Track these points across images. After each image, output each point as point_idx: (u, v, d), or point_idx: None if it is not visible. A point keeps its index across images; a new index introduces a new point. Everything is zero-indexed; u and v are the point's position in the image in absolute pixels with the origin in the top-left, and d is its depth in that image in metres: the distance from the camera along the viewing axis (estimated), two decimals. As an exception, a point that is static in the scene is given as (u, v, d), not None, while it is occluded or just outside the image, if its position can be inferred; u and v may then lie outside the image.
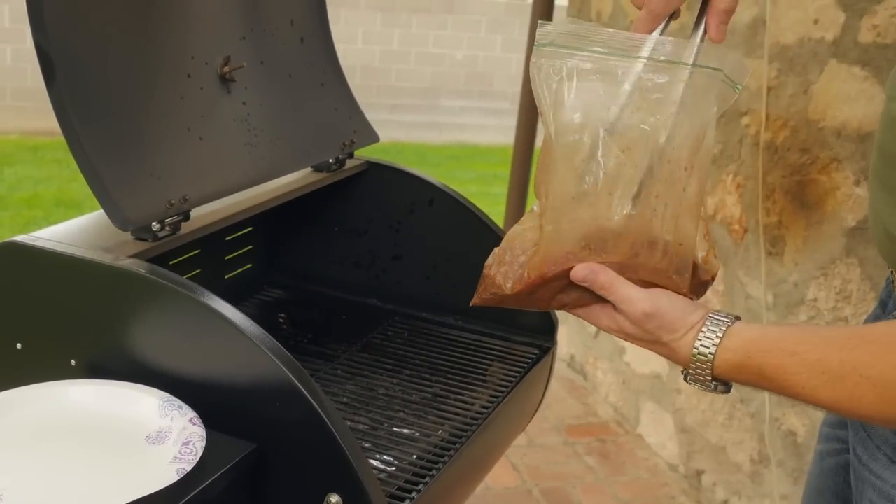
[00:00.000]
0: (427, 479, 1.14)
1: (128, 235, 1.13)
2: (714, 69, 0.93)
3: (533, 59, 0.93)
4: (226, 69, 1.28)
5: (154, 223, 1.12)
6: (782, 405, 2.23)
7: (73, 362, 1.09)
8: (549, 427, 2.87)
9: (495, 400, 1.35)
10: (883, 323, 0.86)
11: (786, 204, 2.19)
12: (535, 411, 1.56)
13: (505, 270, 0.98)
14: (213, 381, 1.03)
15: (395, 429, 1.27)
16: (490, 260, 1.00)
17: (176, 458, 0.92)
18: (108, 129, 1.09)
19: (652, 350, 0.96)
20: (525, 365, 1.44)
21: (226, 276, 1.58)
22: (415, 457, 1.19)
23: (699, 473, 2.56)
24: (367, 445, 1.21)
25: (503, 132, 6.44)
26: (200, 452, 0.93)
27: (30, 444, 0.96)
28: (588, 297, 0.96)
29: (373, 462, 1.17)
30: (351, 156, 1.54)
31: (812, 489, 1.26)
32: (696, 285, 0.96)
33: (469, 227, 1.49)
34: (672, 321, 0.91)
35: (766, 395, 2.25)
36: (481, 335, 1.52)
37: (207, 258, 1.50)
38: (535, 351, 1.49)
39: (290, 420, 1.00)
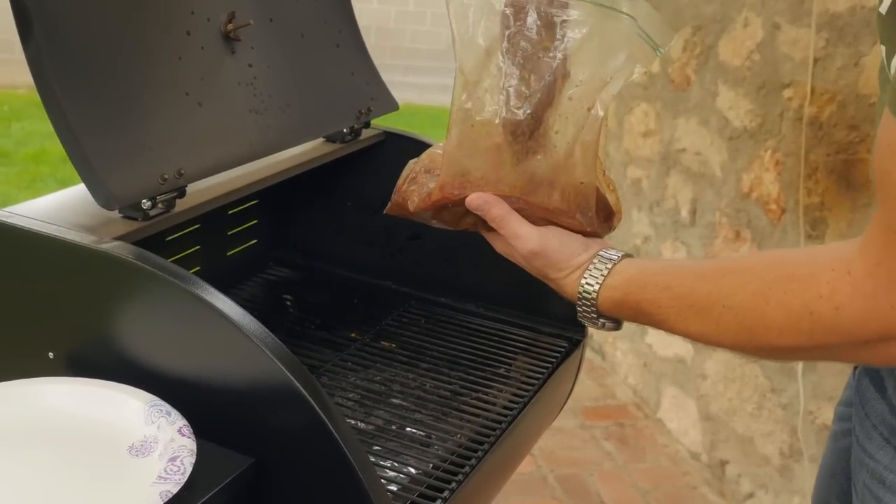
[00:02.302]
0: (445, 492, 1.03)
1: (116, 213, 1.01)
2: (626, 14, 0.92)
3: None
4: (230, 27, 1.14)
5: (144, 200, 0.99)
6: (818, 398, 2.10)
7: (50, 355, 0.97)
8: (566, 408, 2.73)
9: (520, 399, 1.23)
10: (746, 255, 0.88)
11: (829, 184, 2.05)
12: (562, 408, 1.44)
13: (414, 189, 1.01)
14: (207, 383, 0.91)
15: (409, 429, 1.15)
16: (404, 173, 1.03)
17: (161, 477, 0.80)
18: (92, 93, 0.96)
19: (543, 281, 0.99)
20: (553, 360, 1.32)
21: (228, 253, 1.45)
22: (431, 466, 1.07)
23: (723, 463, 2.44)
24: (377, 449, 1.09)
25: (520, 96, 6.28)
26: (189, 471, 0.81)
27: (-5, 454, 0.84)
28: (483, 224, 0.99)
29: (385, 471, 1.05)
30: (367, 125, 1.40)
31: (825, 470, 1.18)
32: (605, 221, 0.98)
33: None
34: (558, 261, 0.95)
35: (800, 386, 2.13)
36: (505, 324, 1.40)
37: (208, 233, 1.37)
38: (564, 343, 1.36)
39: (293, 430, 0.88)
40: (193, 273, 1.33)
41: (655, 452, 2.59)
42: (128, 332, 0.93)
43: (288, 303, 1.45)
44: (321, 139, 1.35)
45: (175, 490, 0.79)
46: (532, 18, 0.93)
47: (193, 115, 1.07)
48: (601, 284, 0.92)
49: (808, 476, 2.12)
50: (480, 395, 1.23)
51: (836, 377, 2.06)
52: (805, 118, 2.08)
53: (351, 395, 1.21)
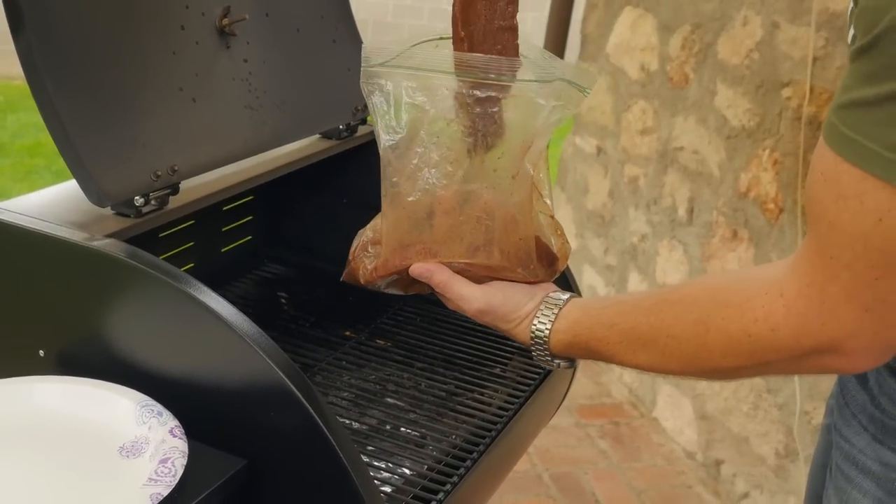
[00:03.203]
0: (440, 494, 1.02)
1: (108, 210, 0.99)
2: (545, 82, 0.95)
3: (362, 78, 0.98)
4: (225, 21, 1.13)
5: (137, 197, 0.97)
6: (813, 398, 2.10)
7: (41, 353, 0.96)
8: (561, 406, 2.74)
9: (516, 400, 1.21)
10: (682, 284, 0.94)
11: (828, 184, 2.04)
12: (558, 408, 1.43)
13: (364, 260, 1.05)
14: (199, 382, 0.90)
15: (404, 429, 1.14)
16: (354, 242, 1.07)
17: (151, 479, 0.79)
18: (84, 88, 0.94)
19: (497, 331, 1.03)
20: (549, 360, 1.30)
21: (222, 250, 1.44)
22: (426, 467, 1.06)
23: (718, 463, 2.44)
24: (371, 449, 1.08)
25: (518, 92, 6.27)
26: (180, 473, 0.80)
27: (-17, 454, 0.83)
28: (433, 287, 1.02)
29: (379, 472, 1.04)
30: (364, 122, 1.39)
31: (817, 464, 1.20)
32: (549, 266, 1.02)
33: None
34: (505, 314, 0.99)
35: (796, 386, 2.12)
36: (501, 324, 1.38)
37: (202, 229, 1.36)
38: (560, 344, 1.35)
39: (286, 431, 0.87)
40: (187, 270, 1.33)
41: (650, 451, 2.58)
42: (119, 331, 0.92)
43: (282, 300, 1.44)
44: (317, 136, 1.33)
45: (166, 492, 0.77)
46: (446, 103, 0.96)
47: (187, 111, 1.06)
48: (550, 329, 0.97)
49: (803, 476, 2.11)
50: (476, 395, 1.22)
51: (831, 378, 2.05)
52: (804, 117, 2.08)
53: (345, 395, 1.20)
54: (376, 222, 1.06)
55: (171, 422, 0.86)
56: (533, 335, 0.98)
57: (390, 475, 1.05)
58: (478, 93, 0.95)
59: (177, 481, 0.79)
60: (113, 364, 0.92)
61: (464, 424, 1.15)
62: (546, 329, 0.97)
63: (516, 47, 1.04)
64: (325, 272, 1.49)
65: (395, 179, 0.98)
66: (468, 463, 1.07)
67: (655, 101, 2.72)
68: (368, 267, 1.04)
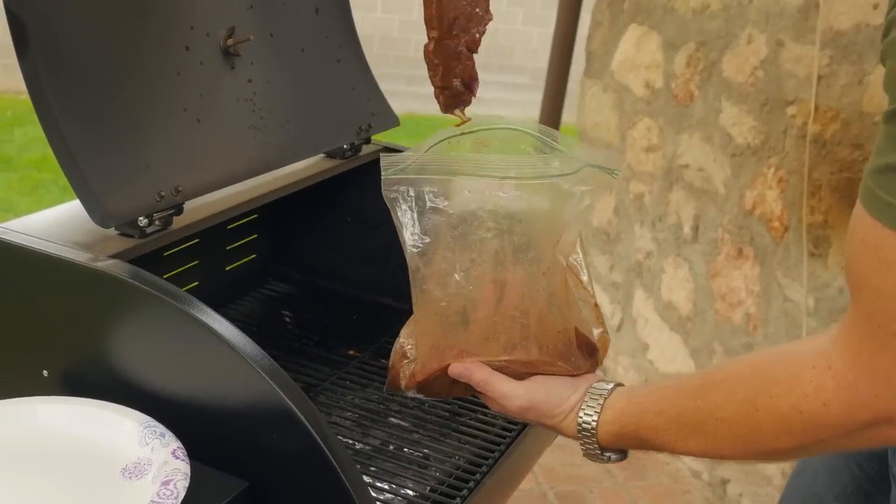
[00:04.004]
0: (443, 515, 1.01)
1: (112, 230, 1.00)
2: (570, 174, 0.93)
3: (383, 187, 0.96)
4: (230, 42, 1.13)
5: (141, 218, 0.98)
6: (819, 417, 2.08)
7: (45, 373, 0.96)
8: (566, 424, 2.73)
9: (518, 422, 1.21)
10: (726, 363, 0.92)
11: (833, 202, 2.04)
12: (561, 427, 1.43)
13: (401, 369, 1.02)
14: (201, 404, 0.90)
15: (407, 450, 1.13)
16: (393, 352, 1.04)
17: (153, 501, 0.79)
18: (89, 108, 0.95)
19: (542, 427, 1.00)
20: (553, 380, 1.30)
21: (227, 268, 1.44)
22: (429, 488, 1.06)
23: (724, 482, 2.42)
24: (374, 469, 1.08)
25: (521, 107, 6.26)
26: (182, 495, 0.80)
27: (-15, 475, 0.83)
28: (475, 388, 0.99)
29: (382, 493, 1.04)
30: (368, 141, 1.39)
31: (823, 468, 1.19)
32: (589, 357, 0.99)
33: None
34: (549, 409, 0.95)
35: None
36: (505, 343, 1.38)
37: (206, 248, 1.36)
38: (564, 363, 1.34)
39: (288, 452, 0.87)
40: (191, 288, 1.34)
41: (656, 470, 2.57)
42: (123, 351, 0.92)
43: (286, 319, 1.44)
44: (321, 155, 1.34)
45: (167, 515, 0.77)
46: (468, 206, 0.94)
47: (191, 132, 1.06)
48: (597, 421, 0.93)
49: (809, 496, 2.10)
50: (479, 415, 1.22)
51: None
52: (809, 136, 2.07)
53: (348, 415, 1.20)
54: (409, 328, 1.04)
55: (173, 443, 0.86)
56: (580, 428, 0.94)
57: (393, 496, 1.04)
58: (501, 193, 0.93)
59: (178, 503, 0.79)
60: (116, 384, 0.92)
61: (467, 445, 1.15)
62: (593, 422, 0.93)
63: (487, 1, 1.06)
64: (328, 291, 1.50)
65: (425, 286, 0.96)
66: (471, 484, 1.07)
67: (660, 119, 2.72)
68: (407, 373, 1.01)
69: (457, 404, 1.23)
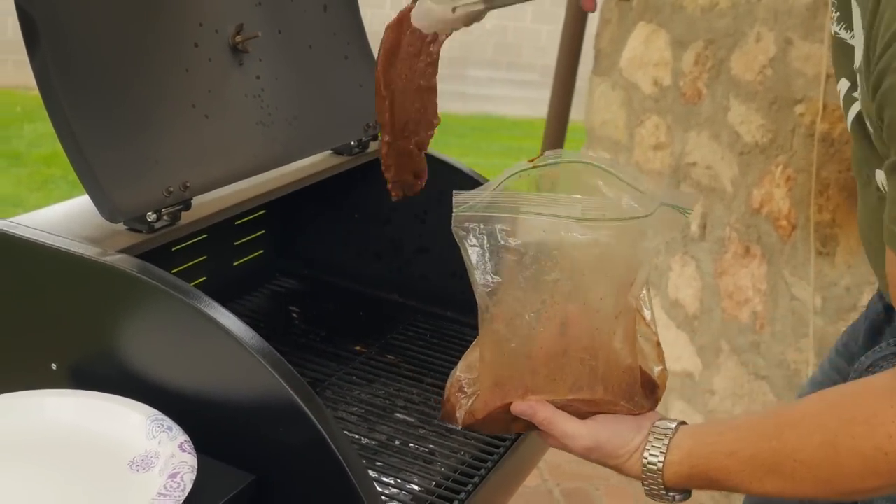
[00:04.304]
0: (447, 511, 1.02)
1: (121, 225, 1.00)
2: (642, 217, 0.91)
3: (454, 224, 0.94)
4: (238, 38, 1.14)
5: (149, 213, 0.98)
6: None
7: (53, 366, 0.97)
8: (572, 421, 2.73)
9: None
10: (799, 402, 0.90)
11: (841, 201, 2.04)
12: (567, 424, 1.43)
13: (458, 403, 1.00)
14: (208, 397, 0.91)
15: (413, 445, 1.14)
16: (449, 382, 1.02)
17: (160, 493, 0.80)
18: (98, 104, 0.95)
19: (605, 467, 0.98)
20: (558, 377, 1.30)
21: (234, 264, 1.45)
22: (434, 483, 1.07)
23: (730, 480, 2.42)
24: (379, 465, 1.09)
25: (530, 104, 6.25)
26: (189, 487, 0.80)
27: (-6, 466, 0.84)
28: (535, 425, 0.98)
29: (387, 488, 1.05)
30: (375, 138, 1.40)
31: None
32: (649, 395, 0.98)
33: (502, 220, 1.35)
34: (614, 449, 0.93)
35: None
36: (510, 340, 1.39)
37: (214, 243, 1.37)
38: (570, 360, 1.35)
39: (294, 446, 0.88)
40: (199, 283, 1.34)
41: (662, 467, 2.57)
42: (130, 345, 0.93)
43: (293, 314, 1.45)
44: (328, 151, 1.34)
45: (174, 508, 0.78)
46: (542, 246, 0.92)
47: (200, 128, 1.07)
48: (664, 462, 0.91)
49: (815, 495, 2.10)
50: (485, 411, 1.22)
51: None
52: (817, 134, 2.07)
53: (354, 410, 1.20)
54: (469, 361, 1.03)
55: (180, 436, 0.87)
56: (645, 469, 0.92)
57: (398, 491, 1.05)
58: (577, 234, 0.91)
59: (185, 496, 0.80)
60: (124, 378, 0.93)
61: (472, 441, 1.15)
62: (658, 462, 0.91)
63: (435, 106, 1.07)
64: (335, 287, 1.50)
65: (494, 326, 0.94)
66: (476, 479, 1.07)
67: (668, 117, 2.72)
68: (464, 408, 1.00)
69: (462, 400, 1.23)
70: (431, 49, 1.07)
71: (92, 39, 0.96)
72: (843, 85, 0.94)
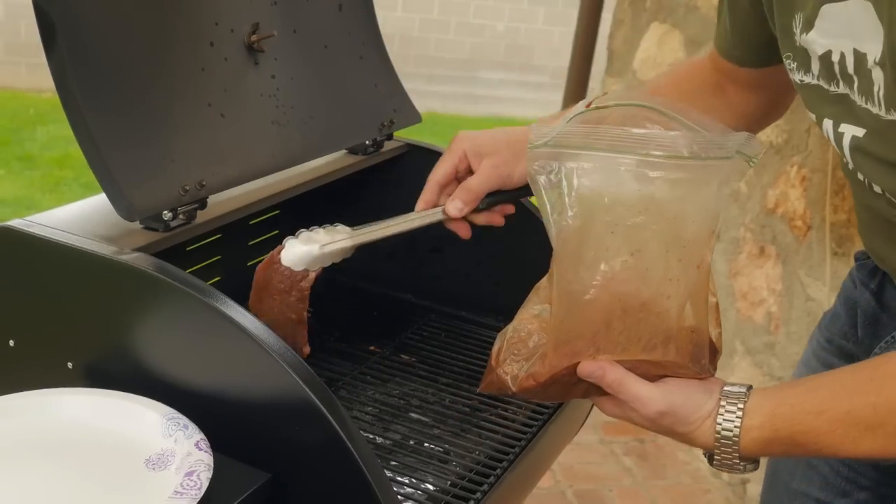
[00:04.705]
0: (463, 510, 1.01)
1: (137, 224, 1.00)
2: (722, 158, 0.86)
3: (528, 161, 0.88)
4: (254, 38, 1.14)
5: (165, 212, 0.98)
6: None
7: (69, 365, 0.97)
8: (586, 423, 2.72)
9: (539, 416, 1.21)
10: (892, 354, 0.83)
11: (856, 201, 2.03)
12: (582, 424, 1.43)
13: (510, 368, 0.95)
14: (224, 396, 0.91)
15: (427, 445, 1.13)
16: (495, 348, 0.97)
17: (177, 491, 0.80)
18: (115, 103, 0.96)
19: (667, 436, 0.93)
20: (573, 377, 1.30)
21: (248, 263, 1.45)
22: (449, 483, 1.06)
23: (744, 483, 2.41)
24: (394, 464, 1.08)
25: (542, 106, 6.25)
26: (205, 486, 0.80)
27: (9, 461, 0.84)
28: (598, 390, 0.92)
29: (403, 488, 1.04)
30: (390, 137, 1.40)
31: (802, 462, 1.18)
32: (710, 361, 0.93)
33: (516, 220, 1.35)
34: (687, 415, 0.88)
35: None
36: (525, 340, 1.38)
37: (228, 243, 1.37)
38: (585, 360, 1.34)
39: (310, 446, 0.87)
40: (213, 283, 1.34)
41: (676, 469, 2.56)
42: (146, 344, 0.93)
43: (308, 314, 1.44)
44: (343, 151, 1.34)
45: (191, 506, 0.78)
46: (624, 187, 0.85)
47: (216, 127, 1.07)
48: (741, 427, 0.85)
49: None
50: (500, 411, 1.22)
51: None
52: (832, 134, 2.06)
53: (369, 409, 1.20)
54: (519, 322, 0.97)
55: (196, 435, 0.87)
56: (720, 435, 0.86)
57: (413, 490, 1.05)
58: (660, 173, 0.84)
59: (202, 494, 0.79)
60: (140, 377, 0.93)
61: (487, 441, 1.15)
62: (735, 428, 0.85)
63: (305, 337, 1.11)
64: (350, 287, 1.50)
65: (568, 276, 0.87)
66: (491, 479, 1.07)
67: (682, 117, 2.72)
68: (519, 372, 0.94)
69: (477, 399, 1.23)
70: (302, 285, 1.11)
71: (109, 38, 0.96)
72: (847, 129, 0.91)
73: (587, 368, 0.89)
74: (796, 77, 0.96)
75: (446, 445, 1.13)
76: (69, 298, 0.96)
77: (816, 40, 0.91)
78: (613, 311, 0.87)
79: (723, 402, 0.87)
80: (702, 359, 0.90)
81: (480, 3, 7.16)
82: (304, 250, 1.09)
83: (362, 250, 1.50)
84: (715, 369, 0.94)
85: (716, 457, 0.88)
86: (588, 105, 0.91)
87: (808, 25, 0.92)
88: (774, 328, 2.29)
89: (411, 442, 1.14)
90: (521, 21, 7.35)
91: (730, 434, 0.85)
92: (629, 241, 0.86)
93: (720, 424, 0.86)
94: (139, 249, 0.95)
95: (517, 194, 1.09)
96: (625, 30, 3.06)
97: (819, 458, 1.16)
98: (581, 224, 0.86)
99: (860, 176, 0.94)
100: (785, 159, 2.25)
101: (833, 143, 0.95)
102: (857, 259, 1.17)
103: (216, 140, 1.06)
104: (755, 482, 2.37)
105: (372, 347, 1.35)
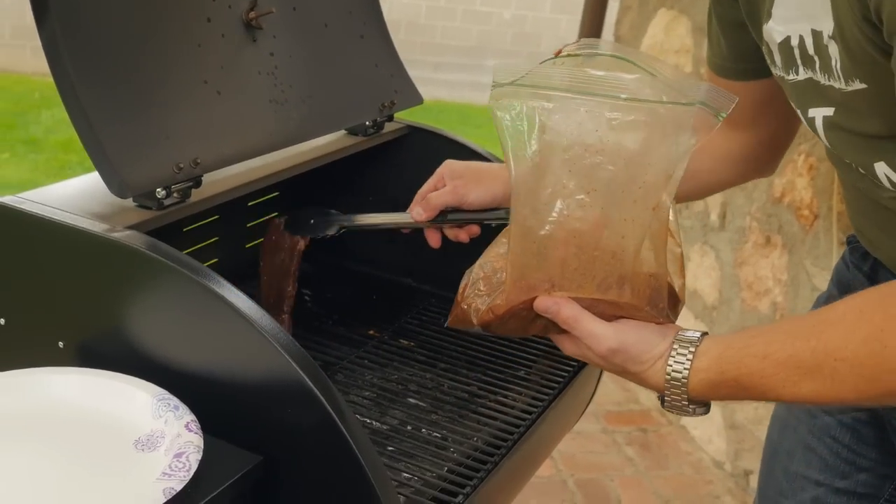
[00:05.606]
0: (459, 496, 1.00)
1: (130, 202, 0.99)
2: (681, 104, 0.87)
3: (490, 99, 0.90)
4: (252, 14, 1.12)
5: (158, 189, 0.97)
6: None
7: (60, 344, 0.95)
8: (588, 412, 2.69)
9: (539, 403, 1.19)
10: (840, 302, 0.84)
11: (864, 190, 2.00)
12: (583, 413, 1.41)
13: (475, 301, 0.98)
14: (216, 377, 0.89)
15: (425, 430, 1.12)
16: (462, 284, 1.00)
17: (165, 473, 0.78)
18: (108, 78, 0.94)
19: (621, 377, 0.94)
20: (574, 363, 1.28)
21: (247, 246, 1.43)
22: (446, 469, 1.05)
23: (747, 474, 2.39)
24: (391, 450, 1.07)
25: (550, 95, 6.21)
26: (194, 468, 0.79)
27: (-2, 443, 0.82)
28: (556, 327, 0.94)
29: (399, 473, 1.03)
30: (391, 118, 1.38)
31: (800, 446, 1.18)
32: (671, 309, 0.94)
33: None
34: (638, 353, 0.90)
35: (828, 396, 2.07)
36: (526, 325, 1.36)
37: (227, 225, 1.35)
38: (586, 347, 1.32)
39: (303, 428, 0.86)
40: (210, 265, 1.32)
41: (678, 460, 2.55)
42: (138, 324, 0.91)
43: (306, 297, 1.43)
44: (343, 132, 1.32)
45: (179, 487, 0.76)
46: (584, 127, 0.87)
47: (211, 104, 1.05)
48: (689, 369, 0.88)
49: (834, 489, 2.07)
50: (499, 397, 1.20)
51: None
52: (841, 122, 2.03)
53: (366, 394, 1.18)
54: (485, 259, 1.00)
55: (187, 416, 0.85)
56: (669, 377, 0.89)
57: (410, 476, 1.03)
58: (619, 115, 0.86)
59: (190, 476, 0.78)
60: (131, 356, 0.92)
61: (486, 427, 1.13)
62: (684, 369, 0.88)
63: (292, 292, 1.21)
64: (349, 270, 1.48)
65: (525, 211, 0.89)
66: (489, 466, 1.05)
67: (689, 105, 2.69)
68: (481, 307, 0.96)
69: (476, 385, 1.21)
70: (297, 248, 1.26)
71: (103, 11, 0.94)
72: (817, 112, 0.93)
73: (543, 303, 0.91)
74: (780, 73, 0.97)
75: (444, 431, 1.12)
76: (60, 277, 0.94)
77: (774, 28, 0.93)
78: (569, 247, 0.89)
79: (675, 345, 0.89)
80: (659, 303, 0.91)
81: (487, -10, 7.12)
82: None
83: (362, 233, 1.49)
84: (676, 317, 0.95)
85: (666, 398, 0.91)
86: (557, 53, 0.92)
87: (767, 16, 0.93)
88: (780, 318, 2.27)
89: (409, 427, 1.12)
90: (528, 9, 7.31)
91: (679, 375, 0.88)
92: (586, 179, 0.88)
93: (671, 366, 0.88)
94: (131, 227, 0.93)
95: (481, 217, 1.17)
96: (632, 16, 3.03)
97: (818, 441, 1.16)
98: (540, 161, 0.88)
99: (845, 159, 0.95)
100: (792, 148, 2.22)
101: (812, 130, 0.96)
102: (848, 242, 1.16)
103: (212, 118, 1.04)
104: (758, 474, 2.35)
105: (371, 331, 1.33)
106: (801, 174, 2.18)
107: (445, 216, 1.18)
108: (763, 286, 2.33)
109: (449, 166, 1.20)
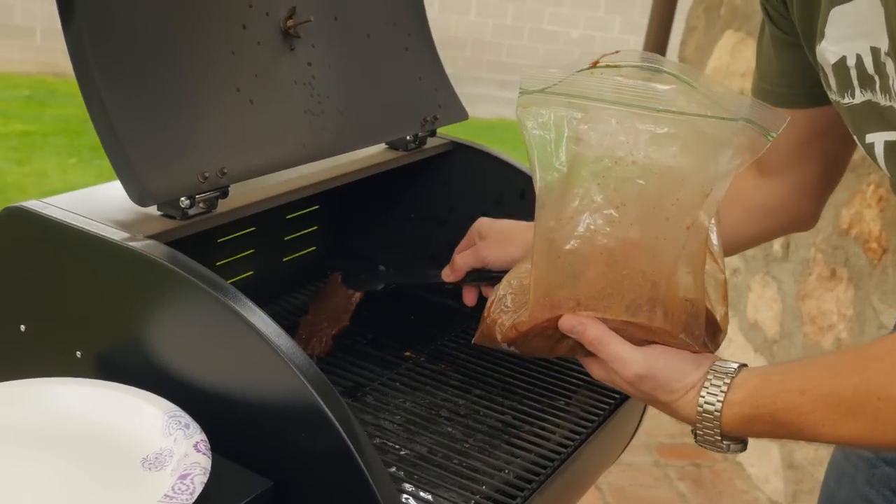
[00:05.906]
0: (485, 532, 0.94)
1: (155, 211, 0.96)
2: (727, 119, 0.82)
3: (518, 106, 0.86)
4: (290, 22, 1.09)
5: (182, 198, 0.93)
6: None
7: (78, 354, 0.93)
8: (639, 444, 2.63)
9: (577, 436, 1.13)
10: (883, 339, 0.78)
11: (937, 224, 1.90)
12: (627, 445, 1.34)
13: (499, 318, 0.95)
14: (231, 395, 0.85)
15: (455, 460, 1.07)
16: (489, 302, 0.98)
17: (167, 495, 0.74)
18: (135, 82, 0.91)
19: (655, 408, 0.90)
20: (617, 395, 1.22)
21: (284, 259, 1.40)
22: (473, 502, 0.99)
23: (804, 516, 2.29)
24: (416, 478, 1.02)
25: (616, 117, 6.14)
26: (198, 491, 0.75)
27: (1, 451, 0.80)
28: (583, 349, 0.90)
29: (422, 504, 0.98)
30: (433, 133, 1.34)
31: (858, 498, 1.10)
32: (711, 339, 0.89)
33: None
34: (668, 381, 0.85)
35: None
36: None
37: (264, 237, 1.32)
38: (630, 378, 1.26)
39: (317, 454, 0.82)
40: (246, 277, 1.30)
41: (733, 498, 2.44)
42: (155, 336, 0.88)
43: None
44: (383, 146, 1.28)
45: (179, 512, 0.72)
46: (614, 139, 0.83)
47: (243, 113, 1.02)
48: (723, 402, 0.82)
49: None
50: (535, 428, 1.14)
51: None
52: (914, 151, 1.94)
53: (396, 418, 1.14)
54: (514, 275, 0.97)
55: (197, 435, 0.81)
56: (701, 409, 0.83)
57: (433, 509, 0.98)
58: (652, 127, 0.82)
59: (193, 500, 0.74)
60: (147, 369, 0.89)
61: (518, 459, 1.07)
62: (717, 402, 0.83)
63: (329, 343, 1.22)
64: (388, 290, 1.44)
65: (550, 224, 0.86)
66: (518, 501, 1.00)
67: (754, 130, 2.60)
68: (507, 323, 0.93)
69: (511, 413, 1.16)
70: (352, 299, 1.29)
71: (131, 13, 0.92)
72: (877, 137, 0.86)
73: (568, 323, 0.87)
74: (836, 98, 0.91)
75: (474, 462, 1.06)
76: (80, 285, 0.92)
77: (828, 48, 0.87)
78: (596, 264, 0.85)
79: (709, 376, 0.84)
80: (696, 330, 0.86)
81: (555, 9, 7.08)
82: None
83: (403, 250, 1.45)
84: (716, 347, 0.90)
85: (698, 432, 0.85)
86: (595, 63, 0.87)
87: (820, 36, 0.87)
88: (843, 355, 2.17)
89: (437, 455, 1.07)
90: (596, 29, 7.25)
91: (711, 408, 0.83)
92: (615, 193, 0.84)
93: (703, 397, 0.83)
94: (152, 237, 0.90)
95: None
96: (697, 37, 2.96)
97: (876, 493, 1.08)
98: (567, 173, 0.85)
99: None
100: (861, 177, 2.13)
101: (871, 158, 0.89)
102: None
103: (242, 127, 1.01)
104: (816, 517, 2.24)
105: (407, 353, 1.29)
106: (870, 205, 2.09)
107: (473, 276, 1.19)
108: (827, 321, 2.23)
109: (478, 226, 1.19)
